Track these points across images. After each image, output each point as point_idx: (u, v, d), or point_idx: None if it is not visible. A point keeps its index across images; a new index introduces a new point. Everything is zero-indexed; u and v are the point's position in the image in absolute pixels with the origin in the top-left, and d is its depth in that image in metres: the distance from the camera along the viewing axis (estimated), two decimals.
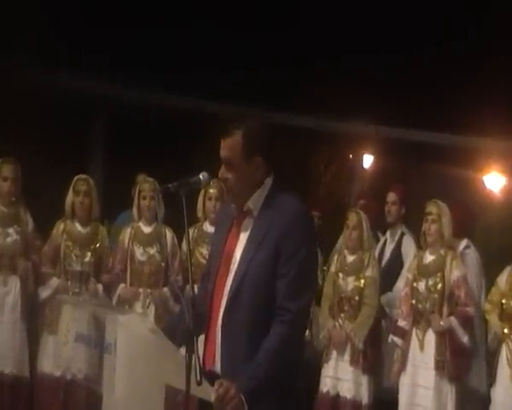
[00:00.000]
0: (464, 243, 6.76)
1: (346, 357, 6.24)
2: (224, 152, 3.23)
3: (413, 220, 7.65)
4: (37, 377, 6.33)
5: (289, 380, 3.19)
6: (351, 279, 6.34)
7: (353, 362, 6.21)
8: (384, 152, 11.04)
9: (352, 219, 6.44)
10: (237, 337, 3.14)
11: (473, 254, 6.74)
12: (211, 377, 3.09)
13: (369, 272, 6.34)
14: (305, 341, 3.42)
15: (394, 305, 6.49)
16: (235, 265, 3.20)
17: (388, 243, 7.08)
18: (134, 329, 3.43)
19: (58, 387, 6.25)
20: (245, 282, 3.14)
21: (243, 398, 3.02)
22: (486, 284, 6.78)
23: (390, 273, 6.74)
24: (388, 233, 7.13)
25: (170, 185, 3.20)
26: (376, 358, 6.37)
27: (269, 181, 3.26)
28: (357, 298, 6.28)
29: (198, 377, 2.95)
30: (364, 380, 6.24)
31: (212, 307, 3.23)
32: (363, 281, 6.31)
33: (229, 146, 3.20)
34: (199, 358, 2.98)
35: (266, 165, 3.24)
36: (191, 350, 2.99)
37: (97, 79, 9.27)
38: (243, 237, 3.23)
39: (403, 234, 7.03)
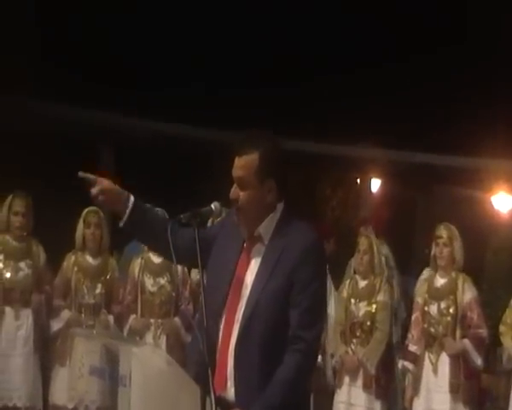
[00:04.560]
0: None
1: (359, 382, 6.18)
2: (237, 171, 3.17)
3: (421, 242, 7.65)
4: None
5: (303, 408, 3.19)
6: (362, 304, 6.30)
7: (366, 387, 6.15)
8: (392, 175, 11.05)
9: (363, 243, 6.41)
10: (250, 365, 3.12)
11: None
12: (221, 404, 3.07)
13: (380, 297, 6.29)
14: (315, 368, 3.39)
15: None
16: (247, 292, 3.17)
17: None
18: (148, 361, 3.45)
19: None
20: (257, 310, 3.12)
21: None
22: (497, 305, 6.77)
23: None
24: None
25: (182, 216, 3.18)
26: (389, 383, 6.32)
27: (280, 207, 3.22)
28: (368, 323, 6.23)
29: (213, 409, 2.94)
30: (378, 405, 6.18)
31: (223, 332, 3.20)
32: (374, 306, 6.26)
33: (245, 165, 3.15)
34: (214, 390, 2.97)
35: (278, 189, 3.20)
36: (206, 381, 2.98)
37: (105, 110, 9.33)
38: (254, 264, 3.19)
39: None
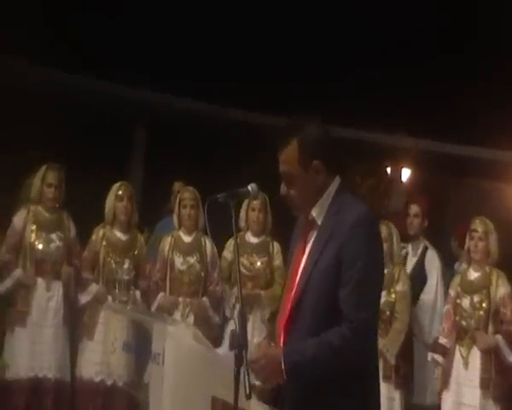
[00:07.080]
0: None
1: None
2: (282, 166, 3.16)
3: (450, 234, 7.56)
4: (78, 382, 6.32)
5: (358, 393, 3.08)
6: (382, 294, 6.21)
7: (386, 377, 6.05)
8: (422, 165, 10.97)
9: (383, 231, 6.28)
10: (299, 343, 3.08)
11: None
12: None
13: (399, 287, 6.23)
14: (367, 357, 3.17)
15: (420, 318, 6.46)
16: (299, 275, 3.15)
17: (410, 256, 6.95)
18: (182, 339, 3.43)
19: (98, 392, 6.24)
20: (307, 291, 3.09)
21: (283, 366, 2.97)
22: None
23: (412, 288, 6.53)
24: (410, 247, 6.98)
25: (219, 196, 3.16)
26: (409, 373, 6.25)
27: (334, 184, 3.16)
28: (388, 313, 6.16)
29: (247, 391, 2.92)
30: (397, 395, 6.14)
31: (280, 314, 3.19)
32: (393, 296, 6.19)
33: (287, 158, 3.14)
34: (248, 371, 2.95)
35: (327, 168, 3.14)
36: (240, 363, 2.97)
37: (140, 86, 9.35)
38: (309, 248, 3.17)
39: (426, 248, 6.94)
